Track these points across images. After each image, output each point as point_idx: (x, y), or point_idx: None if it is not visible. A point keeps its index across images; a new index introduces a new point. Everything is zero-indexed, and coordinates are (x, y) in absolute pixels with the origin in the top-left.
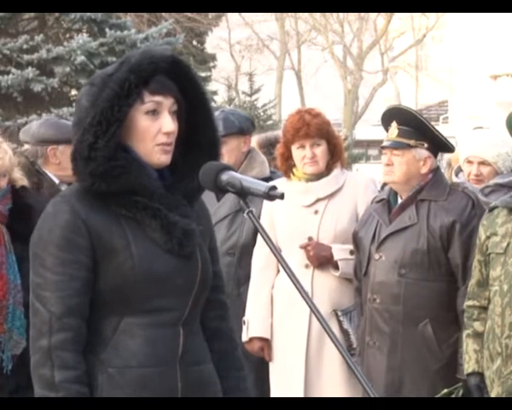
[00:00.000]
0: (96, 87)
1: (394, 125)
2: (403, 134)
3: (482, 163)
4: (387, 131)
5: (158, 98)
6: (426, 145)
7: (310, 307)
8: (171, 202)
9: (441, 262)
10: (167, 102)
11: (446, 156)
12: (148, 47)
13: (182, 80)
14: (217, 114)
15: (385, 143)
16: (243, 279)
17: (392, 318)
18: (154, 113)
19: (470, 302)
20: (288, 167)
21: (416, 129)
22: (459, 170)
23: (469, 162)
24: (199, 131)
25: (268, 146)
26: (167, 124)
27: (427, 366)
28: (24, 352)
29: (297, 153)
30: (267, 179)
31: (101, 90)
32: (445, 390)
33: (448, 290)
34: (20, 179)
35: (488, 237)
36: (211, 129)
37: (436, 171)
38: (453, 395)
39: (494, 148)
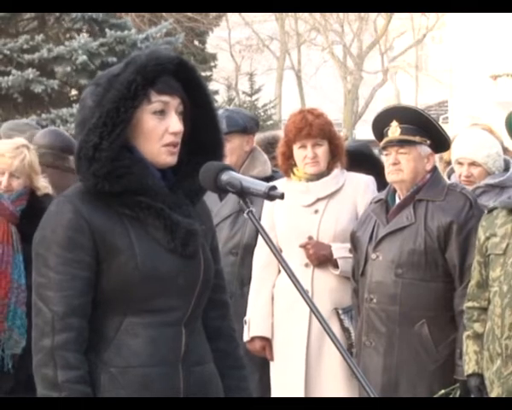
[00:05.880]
0: (102, 87)
1: (395, 124)
2: (406, 132)
3: (472, 164)
4: (383, 132)
5: (165, 98)
6: (428, 142)
7: (310, 307)
8: (174, 202)
9: (438, 263)
10: (174, 103)
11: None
12: (153, 48)
13: (187, 81)
14: (221, 112)
15: (390, 142)
16: (246, 279)
17: (388, 318)
18: (161, 113)
19: (470, 303)
20: (288, 167)
21: (419, 126)
22: (452, 172)
23: (460, 164)
24: (203, 132)
25: (266, 145)
26: (174, 124)
27: (423, 367)
28: (23, 354)
29: (298, 153)
30: (269, 179)
31: (106, 91)
32: (443, 391)
33: (445, 291)
34: (44, 188)
35: (487, 238)
36: (215, 130)
37: (434, 171)
38: (450, 396)
39: (484, 149)
